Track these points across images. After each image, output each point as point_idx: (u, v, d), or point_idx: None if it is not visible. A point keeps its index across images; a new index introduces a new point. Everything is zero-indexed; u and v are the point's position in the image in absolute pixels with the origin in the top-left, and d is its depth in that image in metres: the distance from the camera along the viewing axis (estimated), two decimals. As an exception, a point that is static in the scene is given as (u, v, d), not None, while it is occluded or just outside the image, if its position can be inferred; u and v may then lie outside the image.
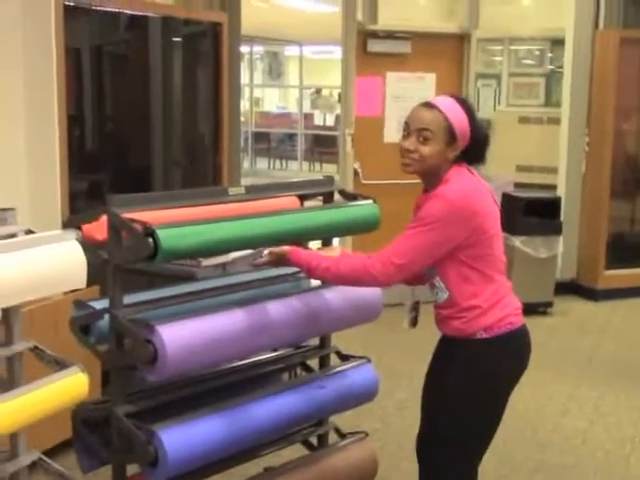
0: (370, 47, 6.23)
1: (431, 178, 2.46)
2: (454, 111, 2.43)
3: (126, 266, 2.50)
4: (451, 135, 2.41)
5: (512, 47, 11.48)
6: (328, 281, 2.62)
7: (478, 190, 2.46)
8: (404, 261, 2.36)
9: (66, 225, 2.45)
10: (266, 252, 2.63)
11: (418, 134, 2.41)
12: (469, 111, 2.46)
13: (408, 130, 2.45)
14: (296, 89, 17.32)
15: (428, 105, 2.44)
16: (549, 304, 6.40)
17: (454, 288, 2.46)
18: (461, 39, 6.56)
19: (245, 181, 9.20)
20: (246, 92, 16.93)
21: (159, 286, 2.82)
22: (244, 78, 16.39)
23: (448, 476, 2.54)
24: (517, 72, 11.45)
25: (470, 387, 2.46)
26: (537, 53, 11.55)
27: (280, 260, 2.61)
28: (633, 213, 7.23)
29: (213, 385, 2.81)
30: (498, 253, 2.51)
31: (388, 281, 2.40)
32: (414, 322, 2.74)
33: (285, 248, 2.59)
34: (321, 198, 3.10)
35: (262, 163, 16.59)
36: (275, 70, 18.30)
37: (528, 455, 3.92)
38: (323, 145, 15.35)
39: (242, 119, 15.66)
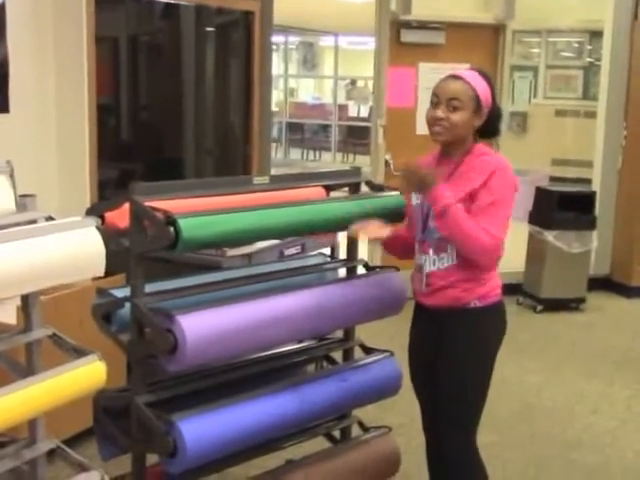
0: (403, 37, 6.16)
1: (458, 146, 2.62)
2: (479, 82, 2.60)
3: (148, 255, 2.48)
4: (477, 103, 2.57)
5: (550, 39, 11.34)
6: (449, 226, 2.51)
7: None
8: (504, 235, 2.53)
9: (89, 212, 2.44)
10: (402, 166, 2.59)
11: (448, 103, 2.56)
12: (490, 83, 2.64)
13: (437, 100, 2.59)
14: (331, 80, 17.26)
15: (455, 77, 2.60)
16: (582, 300, 6.30)
17: (464, 259, 2.57)
18: (496, 30, 6.47)
19: (277, 171, 9.21)
20: (280, 83, 16.92)
21: (183, 275, 2.81)
22: (279, 69, 16.40)
23: (469, 450, 2.65)
24: (554, 64, 11.31)
25: (476, 352, 2.63)
26: (575, 45, 11.39)
27: (422, 186, 2.54)
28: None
29: (234, 376, 2.78)
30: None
31: (497, 252, 2.51)
32: None
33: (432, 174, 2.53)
34: (348, 189, 3.07)
35: (296, 154, 16.59)
36: (310, 61, 18.24)
37: (556, 454, 3.86)
38: (357, 136, 15.29)
39: (276, 109, 15.76)
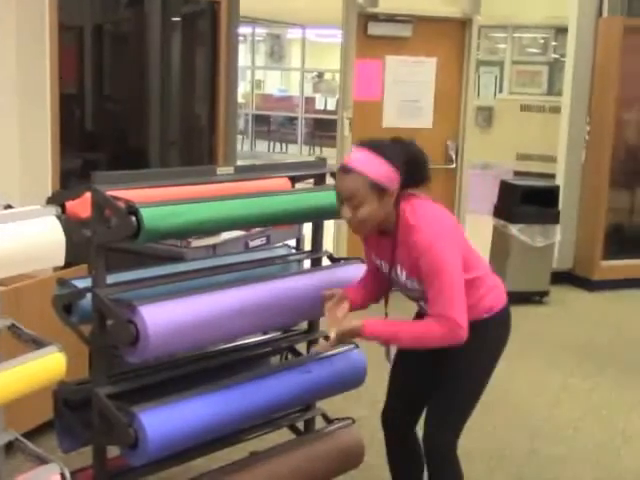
0: (370, 30, 6.16)
1: (385, 224, 2.48)
2: (372, 165, 2.39)
3: (110, 245, 2.45)
4: (378, 188, 2.39)
5: (515, 35, 11.42)
6: (401, 343, 2.53)
7: (444, 213, 2.53)
8: (464, 315, 2.40)
9: (49, 201, 2.40)
10: (333, 334, 2.46)
11: (348, 201, 2.41)
12: (385, 153, 2.41)
13: (340, 199, 2.45)
14: (298, 72, 17.23)
15: (346, 170, 2.41)
16: (545, 293, 6.37)
17: None
18: (463, 24, 6.49)
19: (244, 163, 9.17)
20: (247, 74, 16.86)
21: (146, 266, 2.78)
22: (246, 60, 16.34)
23: (452, 447, 2.62)
24: (520, 60, 11.40)
25: (481, 359, 2.62)
26: (541, 41, 11.49)
27: (352, 337, 2.52)
28: (632, 204, 7.17)
29: (198, 368, 2.76)
30: (471, 254, 2.58)
31: (458, 334, 2.40)
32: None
33: (356, 324, 2.46)
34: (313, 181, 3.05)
35: (262, 146, 16.56)
36: (277, 53, 18.19)
37: (519, 445, 3.89)
38: (324, 129, 15.29)
39: (243, 101, 15.71)
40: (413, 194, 2.51)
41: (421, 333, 2.44)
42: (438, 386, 2.63)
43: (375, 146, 2.43)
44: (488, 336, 2.61)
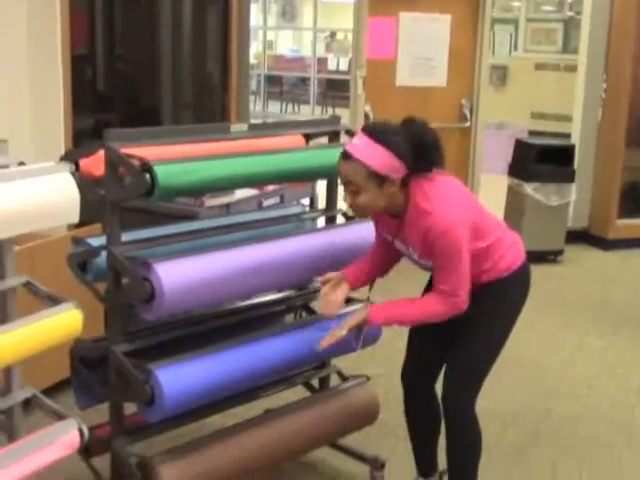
0: (384, -14, 6.06)
1: (391, 209, 2.45)
2: (370, 153, 2.34)
3: (124, 203, 2.44)
4: (377, 177, 2.35)
5: (531, -8, 11.25)
6: (405, 324, 2.63)
7: (454, 190, 2.49)
8: (467, 291, 2.44)
9: (63, 159, 2.39)
10: (343, 331, 2.50)
11: (347, 187, 2.40)
12: (387, 141, 2.34)
13: (342, 182, 2.43)
14: (310, 32, 17.06)
15: (346, 156, 2.38)
16: (559, 252, 6.34)
17: None
18: (478, -20, 6.38)
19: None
20: (259, 35, 16.70)
21: (160, 225, 2.77)
22: (257, 20, 16.17)
23: (470, 406, 2.63)
24: (535, 17, 11.23)
25: (501, 317, 2.63)
26: (556, -1, 11.32)
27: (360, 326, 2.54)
28: (647, 163, 7.11)
29: (213, 325, 2.77)
30: (486, 217, 2.58)
31: (457, 306, 2.46)
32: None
33: (361, 316, 2.50)
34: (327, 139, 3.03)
35: (274, 107, 16.46)
36: (289, 12, 17.99)
37: (533, 403, 3.90)
38: (336, 89, 15.17)
39: (255, 62, 15.59)
40: (424, 175, 2.46)
41: (425, 314, 2.50)
42: (457, 345, 2.63)
43: (379, 133, 2.36)
44: (507, 295, 2.61)
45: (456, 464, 2.74)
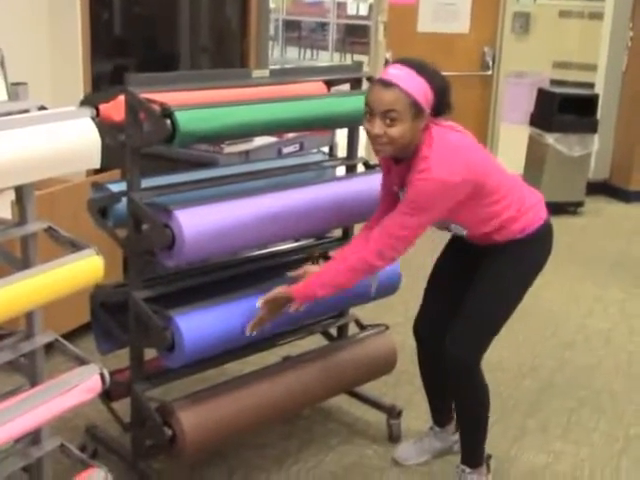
0: None
1: (406, 150, 2.39)
2: (414, 83, 2.30)
3: (145, 150, 2.42)
4: (416, 108, 2.30)
5: None
6: (340, 288, 2.51)
7: (461, 145, 2.42)
8: (406, 232, 2.37)
9: (83, 103, 2.37)
10: (258, 304, 2.49)
11: (383, 117, 2.30)
12: (425, 74, 2.32)
13: (371, 112, 2.33)
14: (329, -25, 16.77)
15: (387, 84, 2.30)
16: (580, 204, 6.29)
17: (471, 225, 2.53)
18: None
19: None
20: (278, -22, 16.46)
21: (180, 171, 2.76)
22: (276, -36, 15.91)
23: (473, 364, 2.61)
24: (560, -37, 10.99)
25: (517, 277, 2.58)
26: (583, -58, 11.04)
27: (279, 307, 2.51)
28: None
29: (232, 273, 2.77)
30: (498, 177, 2.51)
31: (396, 256, 2.43)
32: None
33: (279, 291, 2.49)
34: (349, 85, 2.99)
35: (292, 52, 16.29)
36: (308, -45, 17.69)
37: (550, 354, 3.90)
38: (355, 35, 15.00)
39: (273, 6, 15.38)
40: (435, 121, 2.42)
41: (355, 269, 2.43)
42: (467, 297, 2.60)
43: (417, 65, 2.33)
44: (523, 256, 2.57)
45: (462, 419, 2.74)
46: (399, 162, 2.48)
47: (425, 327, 2.83)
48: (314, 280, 2.48)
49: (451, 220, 2.53)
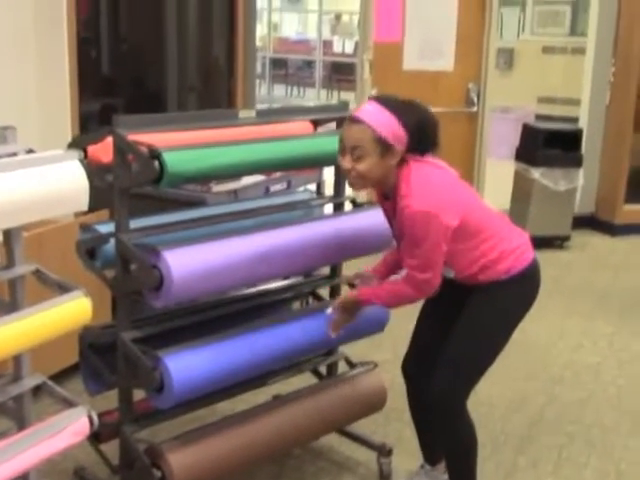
0: (391, -32, 6.02)
1: (383, 186, 2.46)
2: (381, 119, 2.33)
3: (133, 190, 2.43)
4: (383, 144, 2.33)
5: (538, -27, 11.16)
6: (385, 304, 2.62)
7: (442, 184, 2.43)
8: (435, 269, 2.42)
9: (71, 146, 2.39)
10: (330, 310, 2.63)
11: (351, 152, 2.36)
12: (396, 110, 2.35)
13: (343, 148, 2.40)
14: (315, 14, 16.97)
15: (354, 120, 2.36)
16: (566, 238, 6.33)
17: (458, 267, 2.53)
18: (486, -39, 6.33)
19: (262, 107, 9.10)
20: (264, 17, 16.63)
21: (168, 211, 2.77)
22: (262, 2, 16.09)
23: (462, 398, 2.59)
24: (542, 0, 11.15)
25: (501, 318, 2.57)
26: (563, -19, 11.22)
27: (353, 309, 2.62)
28: (656, 147, 7.07)
29: (221, 313, 2.77)
30: (481, 215, 2.53)
31: (429, 292, 2.48)
32: None
33: (352, 296, 2.60)
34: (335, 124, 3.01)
35: (279, 90, 16.42)
36: (294, -6, 17.93)
37: (539, 389, 3.90)
38: (341, 72, 15.14)
39: (259, 44, 15.53)
40: (416, 158, 2.43)
41: (395, 293, 2.51)
42: (452, 337, 2.59)
43: (389, 102, 2.37)
44: (506, 297, 2.54)
45: (449, 459, 2.73)
46: (387, 198, 2.51)
47: (413, 366, 2.83)
48: (383, 287, 2.57)
49: None
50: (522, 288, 2.57)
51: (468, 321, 2.57)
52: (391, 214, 2.54)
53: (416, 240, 2.38)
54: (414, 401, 2.88)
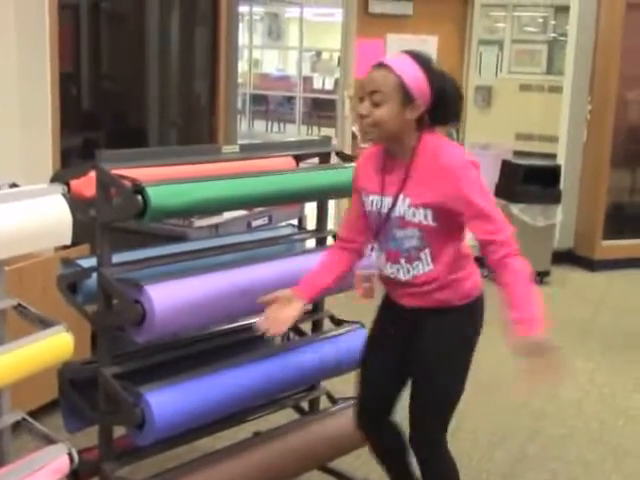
0: (371, 8, 6.11)
1: (398, 145, 2.34)
2: (407, 68, 2.26)
3: (115, 224, 2.43)
4: (405, 94, 2.24)
5: (515, 13, 11.32)
6: None
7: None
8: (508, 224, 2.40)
9: (53, 180, 2.38)
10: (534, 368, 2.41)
11: (370, 97, 2.27)
12: (426, 66, 2.29)
13: (362, 93, 2.30)
14: (296, 51, 17.12)
15: (380, 65, 2.28)
16: (546, 273, 6.35)
17: (441, 262, 2.40)
18: (465, 2, 6.45)
19: (242, 143, 9.13)
20: (245, 54, 16.76)
21: (150, 246, 2.76)
22: (243, 39, 16.22)
23: (441, 443, 2.50)
24: (519, 39, 11.31)
25: (463, 344, 2.49)
26: (540, 20, 11.39)
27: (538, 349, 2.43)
28: (633, 184, 7.16)
29: (203, 348, 2.75)
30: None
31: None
32: (369, 294, 2.59)
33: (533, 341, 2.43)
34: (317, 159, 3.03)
35: (260, 126, 16.49)
36: (275, 32, 18.07)
37: (521, 424, 3.89)
38: (321, 109, 15.26)
39: (240, 81, 15.60)
40: (432, 132, 2.36)
41: (524, 277, 2.36)
42: (420, 379, 2.48)
43: (421, 58, 2.30)
44: (462, 322, 2.47)
45: None
46: (392, 159, 2.38)
47: (374, 415, 2.65)
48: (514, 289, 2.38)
49: (430, 246, 2.38)
50: (474, 316, 2.50)
51: (431, 357, 2.45)
52: (381, 185, 2.38)
53: (477, 194, 2.28)
54: (379, 448, 2.71)
